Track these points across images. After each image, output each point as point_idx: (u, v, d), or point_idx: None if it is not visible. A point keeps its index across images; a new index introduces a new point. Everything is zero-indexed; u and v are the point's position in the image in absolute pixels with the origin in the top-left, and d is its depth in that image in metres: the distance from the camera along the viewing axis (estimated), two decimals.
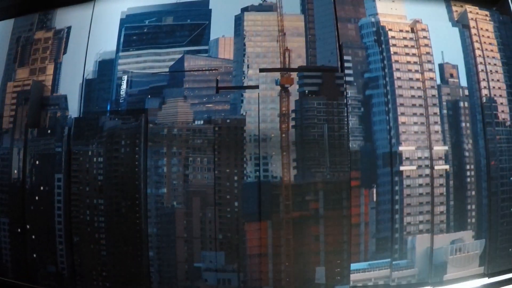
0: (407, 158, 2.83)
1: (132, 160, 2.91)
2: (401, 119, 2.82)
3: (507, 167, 3.03)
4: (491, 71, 3.03)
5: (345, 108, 2.80)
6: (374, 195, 2.81)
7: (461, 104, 2.95)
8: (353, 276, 2.77)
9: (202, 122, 2.88)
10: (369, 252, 2.83)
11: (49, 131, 3.18)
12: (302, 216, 2.80)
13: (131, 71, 3.09)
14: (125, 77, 3.06)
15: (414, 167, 2.84)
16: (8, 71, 3.40)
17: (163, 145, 2.88)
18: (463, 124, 2.93)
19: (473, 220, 2.98)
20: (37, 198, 3.11)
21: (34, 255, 3.13)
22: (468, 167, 2.95)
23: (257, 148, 2.79)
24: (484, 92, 2.99)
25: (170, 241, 2.88)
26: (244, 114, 2.86)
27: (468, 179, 2.95)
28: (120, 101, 3.04)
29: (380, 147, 2.83)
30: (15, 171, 3.20)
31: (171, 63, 3.09)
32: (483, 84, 2.99)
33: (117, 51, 3.14)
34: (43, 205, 3.08)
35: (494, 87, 3.03)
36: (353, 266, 2.76)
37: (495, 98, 3.03)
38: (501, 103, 3.04)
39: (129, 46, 3.14)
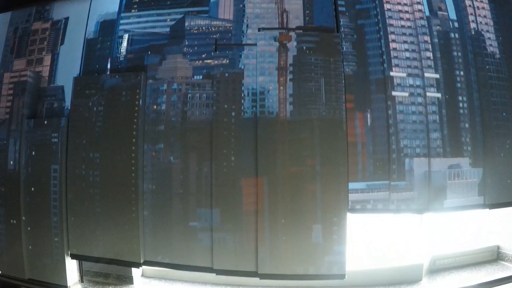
0: (398, 84, 2.92)
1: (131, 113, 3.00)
2: (392, 45, 2.93)
3: (499, 101, 3.11)
4: (477, 7, 3.17)
5: (341, 64, 2.90)
6: (369, 118, 2.89)
7: (452, 35, 3.06)
8: (351, 196, 2.80)
9: (201, 77, 3.00)
10: (367, 173, 2.87)
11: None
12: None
13: (132, 30, 3.26)
14: (126, 36, 3.22)
15: (406, 93, 2.93)
16: None
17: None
18: (455, 54, 3.03)
19: (469, 148, 3.02)
20: (33, 153, 3.20)
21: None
22: (460, 98, 3.03)
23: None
24: (472, 25, 3.11)
25: (166, 198, 2.96)
26: (242, 68, 2.97)
27: (461, 110, 3.02)
28: (121, 59, 3.19)
29: (373, 72, 2.93)
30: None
31: (172, 23, 3.24)
32: (471, 18, 3.12)
33: (119, 12, 3.31)
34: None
35: (481, 22, 3.16)
36: (351, 185, 2.80)
37: (483, 32, 3.14)
38: (489, 38, 3.15)
39: (131, 7, 3.32)
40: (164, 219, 2.95)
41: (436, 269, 3.57)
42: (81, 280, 3.32)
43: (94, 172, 3.04)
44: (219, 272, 2.94)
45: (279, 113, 2.84)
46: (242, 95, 2.88)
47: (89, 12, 3.35)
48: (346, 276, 2.84)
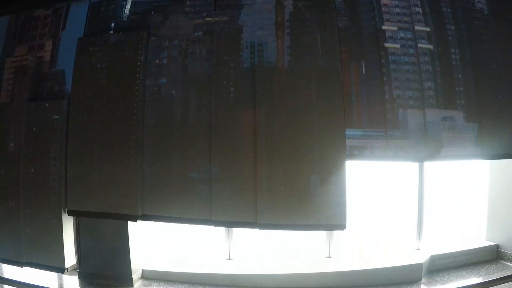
0: (390, 37, 3.02)
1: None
2: (383, 1, 3.06)
3: (490, 55, 3.19)
4: None
5: (335, 19, 2.99)
6: (364, 68, 2.99)
7: None
8: (349, 142, 2.85)
9: (201, 33, 3.11)
10: (363, 121, 2.94)
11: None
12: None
13: None
14: None
15: (398, 45, 3.02)
16: None
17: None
18: (444, 9, 3.15)
19: (463, 102, 3.08)
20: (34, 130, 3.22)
21: None
22: (453, 50, 3.11)
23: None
24: None
25: (165, 150, 2.99)
26: (241, 24, 3.07)
27: (454, 62, 3.10)
28: (124, 19, 3.28)
29: (365, 27, 3.05)
30: None
31: None
32: None
33: None
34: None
35: None
36: (348, 131, 2.85)
37: None
38: None
39: None
40: (163, 171, 2.97)
41: (436, 269, 3.59)
42: (79, 263, 3.31)
43: (96, 124, 3.08)
44: (218, 223, 2.93)
45: (277, 63, 2.94)
46: (241, 47, 2.98)
47: None
48: (346, 227, 2.83)
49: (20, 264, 3.28)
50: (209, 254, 3.82)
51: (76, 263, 3.31)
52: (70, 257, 3.20)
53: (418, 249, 3.75)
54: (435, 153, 2.99)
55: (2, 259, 3.39)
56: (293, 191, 2.83)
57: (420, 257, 3.56)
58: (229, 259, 3.71)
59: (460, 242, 4.01)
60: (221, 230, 3.74)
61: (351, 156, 2.87)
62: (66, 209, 3.11)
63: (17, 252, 3.23)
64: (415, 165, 3.72)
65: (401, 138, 2.94)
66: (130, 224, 3.32)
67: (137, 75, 3.04)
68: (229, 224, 3.03)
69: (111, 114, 3.05)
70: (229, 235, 3.70)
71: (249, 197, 2.85)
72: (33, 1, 3.52)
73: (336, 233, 3.76)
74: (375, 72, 2.97)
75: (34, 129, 3.19)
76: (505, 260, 3.78)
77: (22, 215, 3.18)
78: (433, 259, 3.62)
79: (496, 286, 2.98)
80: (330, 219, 2.82)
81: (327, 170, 2.81)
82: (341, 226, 2.83)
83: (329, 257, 3.69)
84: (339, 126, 2.83)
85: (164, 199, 2.95)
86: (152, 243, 3.86)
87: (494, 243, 3.90)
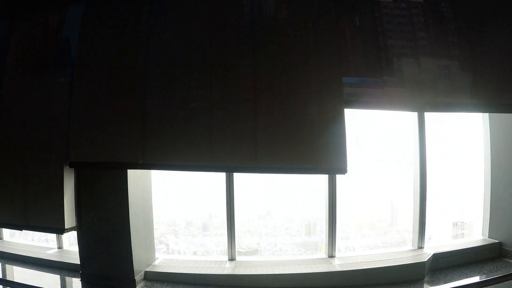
0: None
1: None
2: None
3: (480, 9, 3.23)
4: None
5: None
6: (357, 21, 3.11)
7: None
8: (346, 90, 2.93)
9: None
10: (359, 69, 3.04)
11: None
12: None
13: None
14: None
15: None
16: None
17: None
18: None
19: (457, 52, 3.15)
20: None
21: None
22: (443, 4, 3.19)
23: None
24: None
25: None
26: None
27: (445, 14, 3.18)
28: None
29: None
30: None
31: None
32: None
33: None
34: None
35: None
36: (345, 79, 2.94)
37: None
38: None
39: None
40: (166, 119, 3.01)
41: (439, 267, 3.58)
42: (79, 226, 3.28)
43: (100, 78, 3.12)
44: (218, 168, 3.01)
45: (276, 15, 3.05)
46: (242, 1, 3.08)
47: None
48: (347, 171, 2.88)
49: (19, 227, 3.32)
50: (211, 254, 3.81)
51: (76, 225, 3.27)
52: (69, 219, 3.22)
53: (421, 248, 3.74)
54: (431, 103, 3.06)
55: (1, 223, 3.43)
56: (293, 136, 2.90)
57: (423, 256, 3.55)
58: (231, 259, 3.70)
59: (462, 240, 4.01)
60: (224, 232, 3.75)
61: (348, 102, 2.94)
62: (68, 162, 3.13)
63: (17, 215, 3.24)
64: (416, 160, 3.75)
65: (396, 85, 3.02)
66: (132, 225, 3.32)
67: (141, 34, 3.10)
68: (230, 168, 3.08)
69: (116, 69, 3.10)
70: (231, 236, 3.70)
71: (249, 142, 2.91)
72: None
73: (338, 233, 3.76)
74: (369, 24, 3.06)
75: (38, 92, 3.26)
76: (508, 258, 3.74)
77: (22, 176, 3.22)
78: (436, 257, 3.60)
79: (498, 284, 2.97)
80: (331, 162, 2.88)
81: (327, 115, 2.90)
82: (342, 169, 2.89)
83: (331, 256, 3.68)
84: (337, 74, 2.92)
85: (165, 147, 2.99)
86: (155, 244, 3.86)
87: (496, 241, 3.88)
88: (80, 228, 3.31)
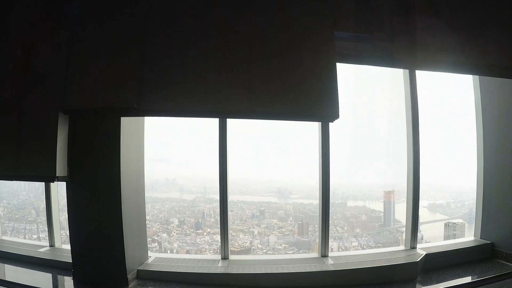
0: None
1: None
2: None
3: None
4: None
5: None
6: None
7: None
8: (338, 43, 3.02)
9: None
10: (351, 24, 3.13)
11: None
12: None
13: None
14: None
15: None
16: None
17: None
18: None
19: (447, 10, 3.22)
20: None
21: None
22: None
23: None
24: None
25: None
26: None
27: None
28: None
29: None
30: None
31: None
32: None
33: None
34: None
35: None
36: (337, 33, 3.02)
37: None
38: None
39: None
40: (162, 67, 3.02)
41: (431, 267, 3.59)
42: (70, 175, 3.24)
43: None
44: (213, 114, 3.07)
45: None
46: None
47: None
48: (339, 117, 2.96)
49: (10, 178, 3.32)
50: (204, 253, 3.80)
51: (67, 175, 3.21)
52: (61, 168, 3.15)
53: (414, 248, 3.77)
54: (421, 60, 3.12)
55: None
56: (286, 82, 2.98)
57: (415, 256, 3.56)
58: (225, 258, 3.70)
59: (455, 241, 4.03)
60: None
61: (341, 56, 3.04)
62: (63, 109, 3.08)
63: (8, 166, 3.15)
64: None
65: (387, 41, 3.11)
66: (125, 223, 3.31)
67: None
68: (224, 113, 3.13)
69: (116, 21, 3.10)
70: (224, 235, 3.69)
71: (242, 87, 2.97)
72: None
73: (332, 232, 3.76)
74: None
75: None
76: (499, 259, 3.76)
77: (16, 126, 3.14)
78: (428, 257, 3.62)
79: (491, 284, 2.99)
80: (323, 108, 2.98)
81: (319, 65, 2.99)
82: (333, 116, 2.99)
83: (324, 255, 3.69)
84: (328, 26, 3.02)
85: (161, 93, 3.00)
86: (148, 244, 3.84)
87: (489, 242, 3.90)
88: (70, 178, 3.26)
